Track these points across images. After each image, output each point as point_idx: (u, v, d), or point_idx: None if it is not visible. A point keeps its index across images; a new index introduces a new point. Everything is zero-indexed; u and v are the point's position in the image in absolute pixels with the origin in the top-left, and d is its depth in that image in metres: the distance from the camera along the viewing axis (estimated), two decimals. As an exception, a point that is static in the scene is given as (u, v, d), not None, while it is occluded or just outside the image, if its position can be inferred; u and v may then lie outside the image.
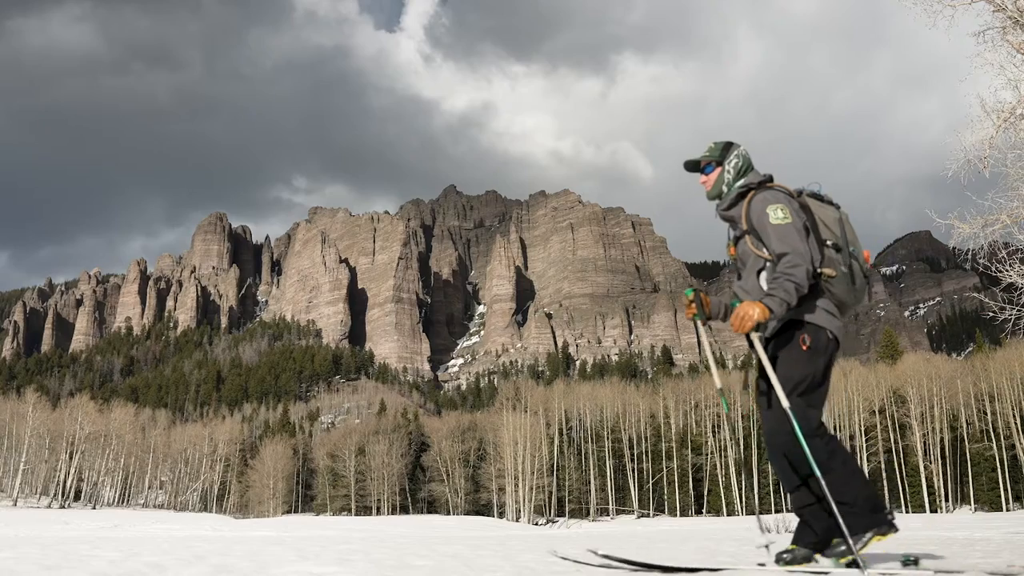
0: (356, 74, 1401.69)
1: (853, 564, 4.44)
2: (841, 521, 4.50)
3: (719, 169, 5.26)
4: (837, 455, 4.64)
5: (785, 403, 4.70)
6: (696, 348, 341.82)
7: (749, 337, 4.86)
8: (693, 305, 5.36)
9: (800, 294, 4.69)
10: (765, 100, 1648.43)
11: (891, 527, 4.51)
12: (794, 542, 4.75)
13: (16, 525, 25.83)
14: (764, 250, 4.98)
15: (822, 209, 5.01)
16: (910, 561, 4.49)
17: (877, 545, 4.49)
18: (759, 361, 4.87)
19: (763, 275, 5.02)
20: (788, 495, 4.82)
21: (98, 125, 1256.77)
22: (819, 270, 4.79)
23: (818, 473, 4.54)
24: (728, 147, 5.27)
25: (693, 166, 5.37)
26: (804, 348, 4.77)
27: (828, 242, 4.87)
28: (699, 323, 5.41)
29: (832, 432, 4.78)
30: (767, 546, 5.11)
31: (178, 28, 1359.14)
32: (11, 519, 37.27)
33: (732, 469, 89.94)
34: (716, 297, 5.49)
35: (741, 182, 5.19)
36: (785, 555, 4.67)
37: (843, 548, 4.51)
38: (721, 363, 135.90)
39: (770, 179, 5.18)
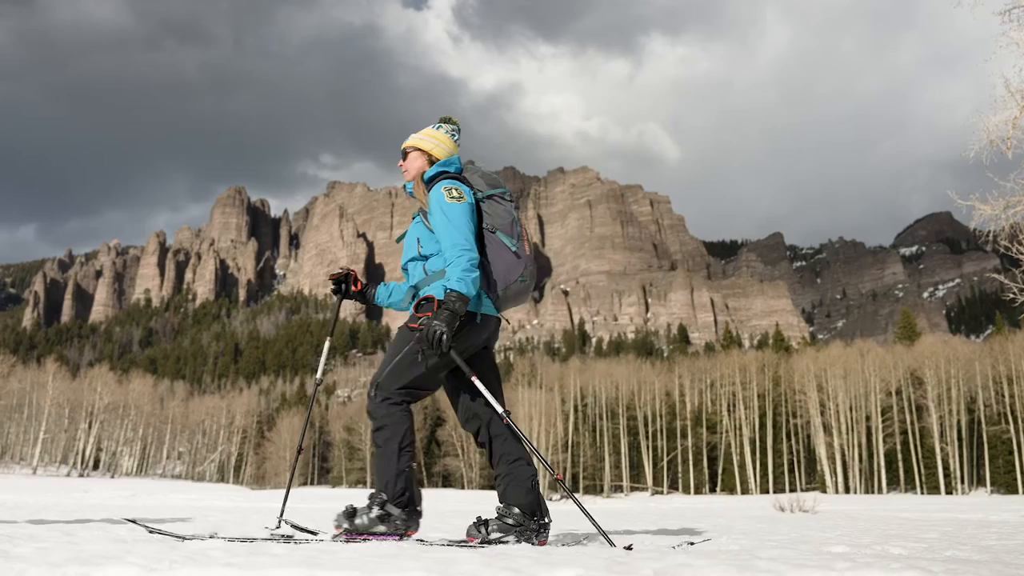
0: (384, 52, 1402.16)
1: None
2: None
3: None
4: None
5: None
6: (713, 327, 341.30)
7: None
8: None
9: None
10: (791, 82, 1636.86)
11: None
12: None
13: (36, 493, 26.16)
14: None
15: None
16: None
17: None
18: None
19: None
20: None
21: (127, 100, 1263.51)
22: None
23: None
24: None
25: None
26: None
27: None
28: None
29: None
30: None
31: (208, 4, 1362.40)
32: (31, 487, 37.74)
33: (747, 448, 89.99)
34: None
35: None
36: None
37: None
38: (737, 342, 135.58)
39: None
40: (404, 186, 5.02)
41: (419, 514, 4.56)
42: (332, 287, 5.23)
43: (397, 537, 4.40)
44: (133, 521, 6.08)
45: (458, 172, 4.85)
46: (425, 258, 4.71)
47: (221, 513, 11.37)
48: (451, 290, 4.32)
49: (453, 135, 4.99)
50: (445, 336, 4.22)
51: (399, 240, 5.05)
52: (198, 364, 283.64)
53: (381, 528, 4.38)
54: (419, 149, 4.94)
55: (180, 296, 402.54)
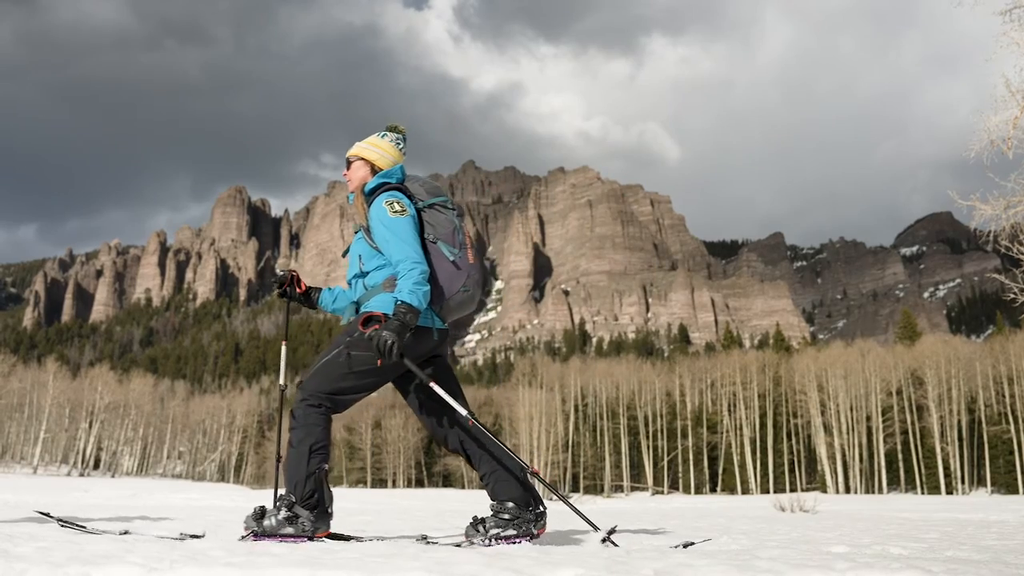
0: (384, 52, 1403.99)
1: None
2: None
3: None
4: None
5: None
6: (713, 326, 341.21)
7: None
8: None
9: None
10: (792, 82, 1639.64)
11: None
12: None
13: (37, 492, 26.15)
14: None
15: None
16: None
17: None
18: None
19: None
20: None
21: (127, 100, 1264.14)
22: None
23: None
24: None
25: None
26: None
27: None
28: None
29: None
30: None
31: (208, 4, 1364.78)
32: (32, 486, 37.74)
33: (747, 448, 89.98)
34: None
35: None
36: None
37: None
38: (738, 342, 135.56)
39: None
40: (348, 197, 4.98)
41: (329, 515, 4.52)
42: (277, 291, 5.17)
43: (305, 539, 4.37)
44: (47, 515, 6.22)
45: (400, 182, 4.79)
46: (365, 274, 4.67)
47: (220, 512, 11.38)
48: (402, 302, 4.28)
49: (398, 144, 4.94)
50: (396, 345, 4.19)
51: (344, 255, 5.01)
52: (199, 364, 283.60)
53: (289, 530, 4.36)
54: (363, 159, 4.90)
55: (181, 296, 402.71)
